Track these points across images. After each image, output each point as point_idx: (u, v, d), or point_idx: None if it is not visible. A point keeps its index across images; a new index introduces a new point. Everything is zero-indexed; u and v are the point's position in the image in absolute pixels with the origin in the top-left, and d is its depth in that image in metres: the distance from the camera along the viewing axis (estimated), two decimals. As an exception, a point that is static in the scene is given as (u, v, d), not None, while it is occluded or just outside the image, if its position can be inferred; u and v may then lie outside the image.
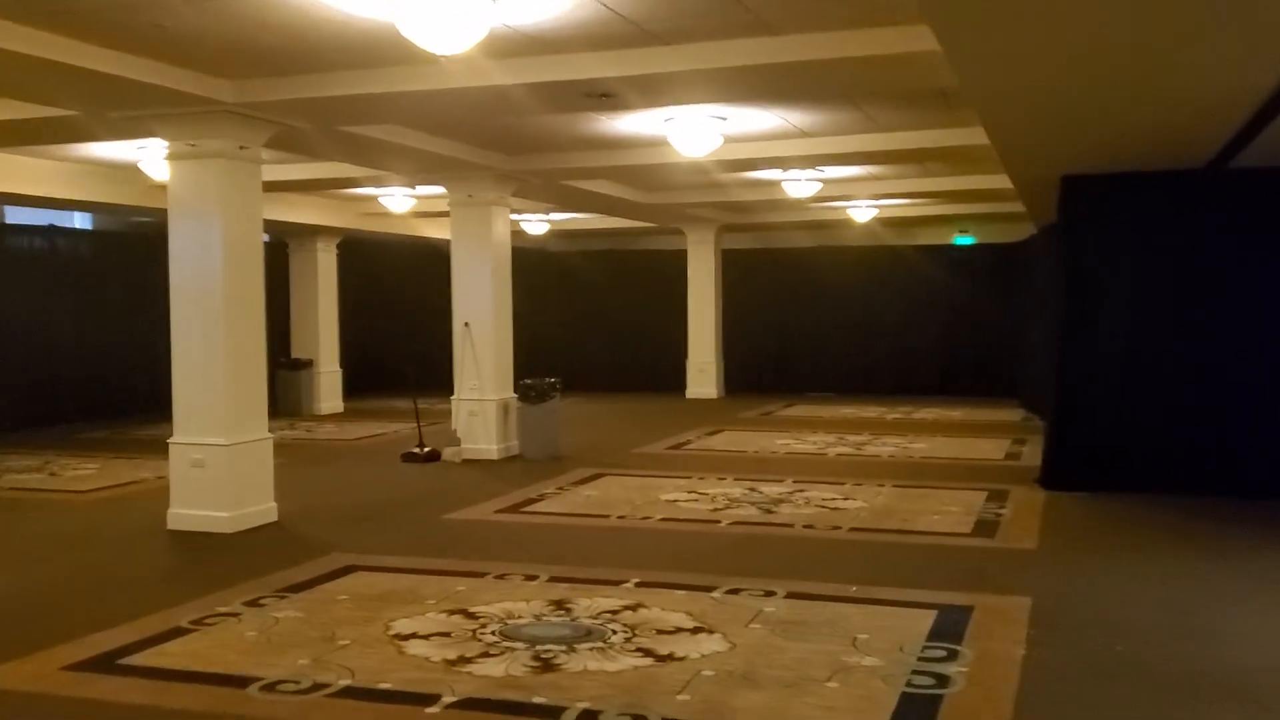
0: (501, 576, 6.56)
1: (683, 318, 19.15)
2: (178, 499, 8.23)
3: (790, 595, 6.05)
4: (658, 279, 20.26)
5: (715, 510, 8.67)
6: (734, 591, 6.14)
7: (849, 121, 9.51)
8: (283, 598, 6.19)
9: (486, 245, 11.66)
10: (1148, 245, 9.31)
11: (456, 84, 7.19)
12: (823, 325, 19.83)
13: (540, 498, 9.34)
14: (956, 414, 16.14)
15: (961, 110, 8.92)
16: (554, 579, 6.48)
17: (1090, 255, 9.45)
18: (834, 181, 13.33)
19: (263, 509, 8.36)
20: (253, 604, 6.06)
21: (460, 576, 6.58)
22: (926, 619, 5.62)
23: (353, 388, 18.06)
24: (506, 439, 11.86)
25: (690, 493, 9.46)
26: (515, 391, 11.92)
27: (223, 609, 5.96)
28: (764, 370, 19.92)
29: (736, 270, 19.47)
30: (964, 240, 19.76)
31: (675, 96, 7.82)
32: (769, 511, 8.58)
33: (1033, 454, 11.65)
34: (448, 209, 12.11)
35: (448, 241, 12.22)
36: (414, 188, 13.82)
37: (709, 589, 6.19)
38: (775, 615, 5.69)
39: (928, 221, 18.78)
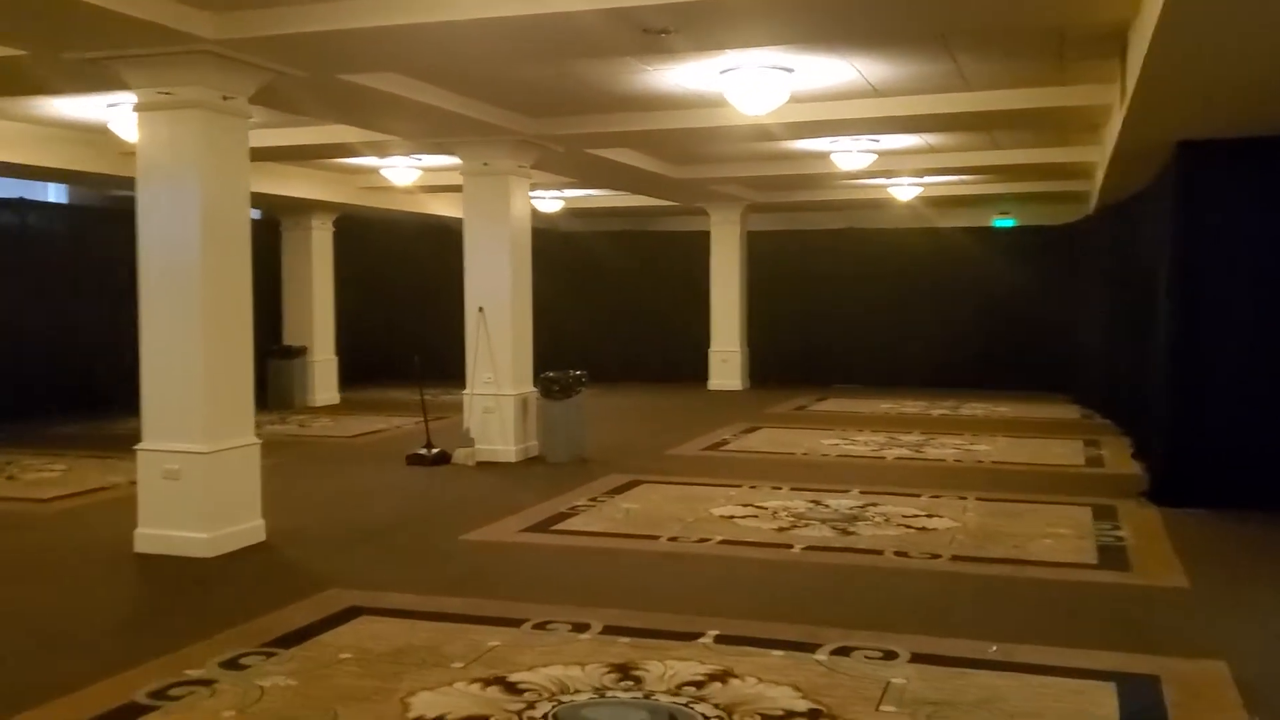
0: (543, 625, 5.25)
1: (705, 304, 17.82)
2: (148, 516, 6.91)
3: (917, 658, 4.75)
4: (678, 262, 18.92)
5: (781, 530, 7.37)
6: (844, 652, 4.83)
7: (935, 76, 8.16)
8: (270, 655, 4.87)
9: (504, 220, 10.32)
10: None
11: (480, 13, 5.85)
12: (853, 313, 18.49)
13: (572, 511, 8.03)
14: (1005, 410, 14.85)
15: (1074, 64, 7.62)
16: (609, 629, 5.17)
17: (1211, 235, 8.12)
18: (885, 154, 11.98)
19: (248, 528, 7.04)
20: (232, 665, 4.75)
21: (491, 625, 5.26)
22: (1107, 696, 4.32)
23: (350, 377, 16.73)
24: (525, 439, 10.55)
25: (745, 506, 8.16)
26: (536, 385, 10.60)
27: (193, 673, 4.64)
28: (790, 361, 18.59)
29: (762, 253, 18.14)
30: (1004, 223, 18.44)
31: (733, 31, 6.43)
32: (846, 533, 7.27)
33: (1115, 459, 10.40)
34: (457, 182, 10.82)
35: (457, 219, 10.88)
36: (419, 158, 12.45)
37: (810, 647, 4.88)
38: (909, 691, 4.37)
39: (970, 201, 17.44)
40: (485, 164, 10.25)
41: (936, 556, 6.63)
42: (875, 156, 11.66)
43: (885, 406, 15.21)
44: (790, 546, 6.90)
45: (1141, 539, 7.07)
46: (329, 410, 14.98)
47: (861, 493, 8.68)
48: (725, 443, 11.67)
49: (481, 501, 8.58)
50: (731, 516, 7.80)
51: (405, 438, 11.87)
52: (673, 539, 7.13)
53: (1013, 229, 18.25)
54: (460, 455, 10.25)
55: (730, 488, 8.89)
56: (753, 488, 8.90)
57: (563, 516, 7.86)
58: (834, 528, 7.41)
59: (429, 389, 11.77)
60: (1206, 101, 6.67)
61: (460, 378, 10.66)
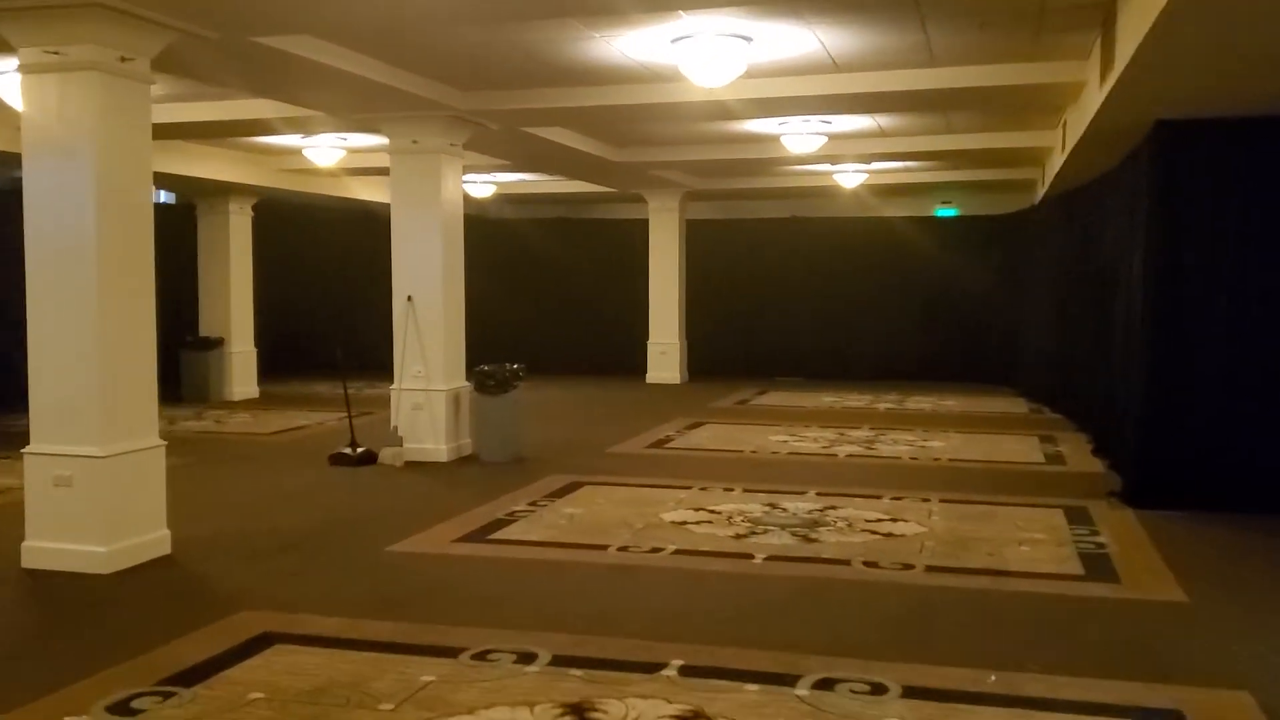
0: (483, 655, 4.62)
1: (642, 294, 17.22)
2: (36, 528, 6.15)
3: (909, 692, 4.21)
4: (615, 250, 18.32)
5: (739, 538, 6.81)
6: (826, 685, 4.28)
7: (901, 49, 7.65)
8: (167, 695, 4.20)
9: (434, 203, 9.62)
10: (1264, 207, 7.62)
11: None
12: (793, 305, 18.05)
13: (510, 518, 7.39)
14: (952, 403, 14.50)
15: (1050, 37, 7.16)
16: (559, 660, 4.56)
17: (1190, 221, 7.71)
18: (835, 138, 11.48)
19: (151, 540, 6.31)
20: (120, 709, 4.06)
21: (425, 656, 4.62)
22: (1128, 737, 3.82)
23: (270, 369, 15.88)
24: (458, 437, 9.88)
25: (697, 510, 7.59)
26: (469, 380, 9.94)
27: (74, 722, 3.96)
28: (729, 353, 18.08)
29: (701, 243, 17.56)
30: (946, 212, 18.11)
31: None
32: (808, 540, 6.74)
33: (1075, 457, 10.03)
34: (384, 164, 10.09)
35: (384, 205, 10.16)
36: (344, 137, 11.69)
37: (789, 679, 4.32)
38: (908, 733, 3.84)
39: (914, 190, 17.08)
40: (414, 142, 9.54)
41: (909, 567, 6.12)
42: (825, 139, 11.14)
43: (829, 400, 14.77)
44: (751, 557, 6.34)
45: (1124, 546, 6.62)
46: (247, 405, 14.14)
47: (819, 494, 8.16)
48: (669, 440, 11.10)
49: (411, 506, 7.92)
50: (684, 522, 7.22)
51: (328, 435, 11.14)
52: (622, 549, 6.53)
53: (956, 218, 17.92)
54: (387, 455, 9.55)
55: (679, 489, 8.33)
56: (703, 489, 8.34)
57: (500, 524, 7.22)
58: (795, 534, 6.87)
59: (354, 383, 11.04)
60: (1208, 75, 6.20)
61: (387, 371, 9.96)
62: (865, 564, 6.18)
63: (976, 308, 17.30)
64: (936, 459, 9.99)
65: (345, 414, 10.14)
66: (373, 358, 14.54)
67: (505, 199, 17.24)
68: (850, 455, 10.15)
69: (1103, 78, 7.01)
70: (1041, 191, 14.20)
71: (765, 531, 6.93)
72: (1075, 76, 8.07)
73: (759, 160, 13.21)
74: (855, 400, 14.74)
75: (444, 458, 9.65)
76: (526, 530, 7.04)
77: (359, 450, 9.57)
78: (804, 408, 13.95)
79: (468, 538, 6.84)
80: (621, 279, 18.06)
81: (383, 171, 12.80)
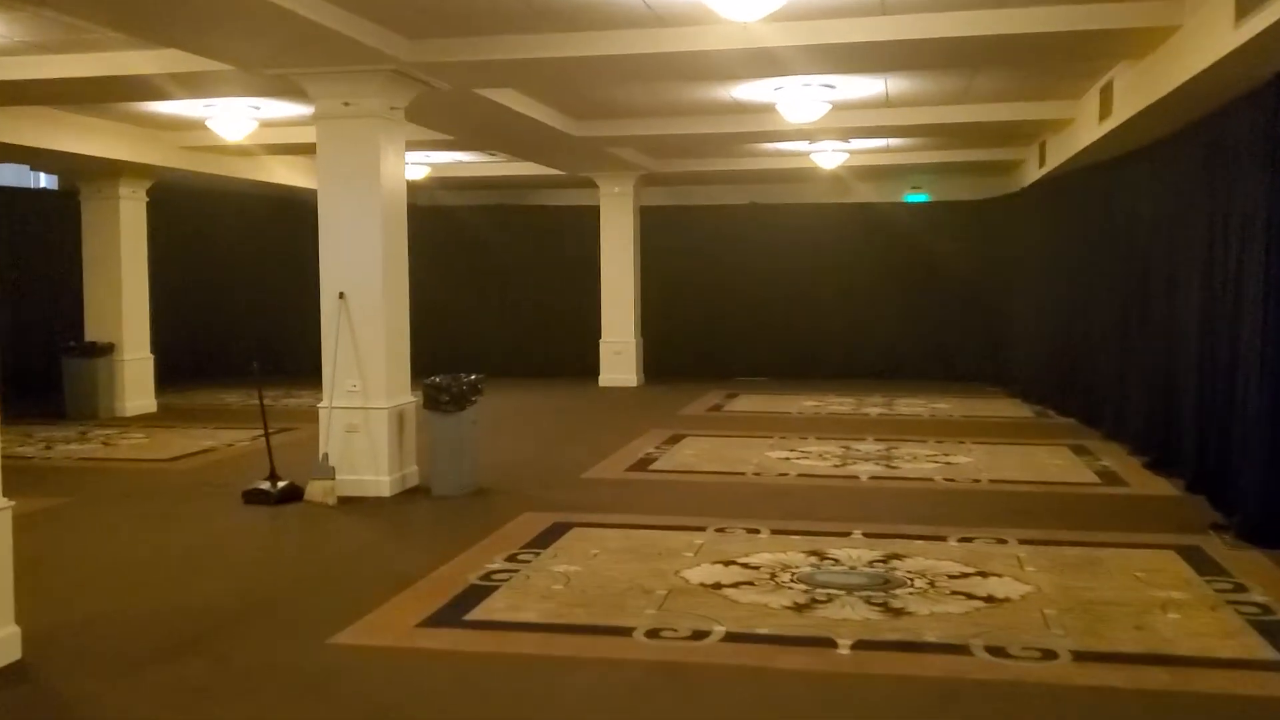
0: None
1: (593, 288, 15.48)
2: None
3: None
4: (564, 240, 16.60)
5: (800, 609, 5.15)
6: None
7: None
8: None
9: (371, 180, 7.82)
10: None
11: None
12: (755, 299, 16.53)
13: (488, 583, 5.64)
14: (945, 406, 13.05)
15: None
16: None
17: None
18: (837, 108, 9.89)
19: (-10, 642, 4.47)
20: None
21: None
22: None
23: (170, 379, 13.83)
24: (403, 465, 8.10)
25: (727, 565, 5.92)
26: (418, 394, 8.16)
27: None
28: (687, 353, 16.46)
29: (653, 231, 15.87)
30: (916, 198, 16.69)
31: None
32: (891, 611, 5.11)
33: (1130, 474, 8.64)
34: (308, 140, 8.27)
35: (310, 190, 8.33)
36: (256, 104, 9.78)
37: None
38: None
39: (884, 175, 15.59)
40: (346, 104, 7.73)
41: (1050, 655, 4.52)
42: (829, 107, 9.53)
43: (809, 404, 13.22)
44: (832, 644, 4.67)
45: (1297, 608, 5.12)
46: (143, 421, 12.10)
47: (866, 536, 6.55)
48: (651, 459, 9.41)
49: (354, 567, 6.13)
50: (717, 585, 5.55)
51: (241, 461, 9.26)
52: (653, 634, 4.83)
53: (931, 204, 16.50)
54: (316, 490, 7.72)
55: (691, 531, 6.66)
56: (720, 530, 6.68)
57: (476, 594, 5.46)
58: (870, 603, 5.23)
59: (270, 391, 9.18)
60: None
61: (311, 377, 8.13)
62: (989, 651, 4.56)
63: (955, 301, 15.96)
64: (976, 480, 8.46)
65: (261, 433, 8.30)
66: (297, 363, 12.71)
67: (440, 183, 15.37)
68: (874, 477, 8.57)
69: (1239, 15, 5.50)
70: (1039, 171, 12.81)
71: (829, 600, 5.28)
72: (1167, 20, 6.56)
73: (734, 135, 11.57)
74: (838, 405, 13.21)
75: (386, 491, 7.86)
76: (514, 603, 5.30)
77: (280, 485, 7.73)
78: (787, 414, 12.38)
79: (437, 620, 5.07)
80: (570, 272, 16.36)
81: (307, 149, 10.96)
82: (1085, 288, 11.31)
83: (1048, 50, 7.38)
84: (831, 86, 9.18)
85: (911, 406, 13.08)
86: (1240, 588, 5.44)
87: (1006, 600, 5.27)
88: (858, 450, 9.77)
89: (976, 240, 15.65)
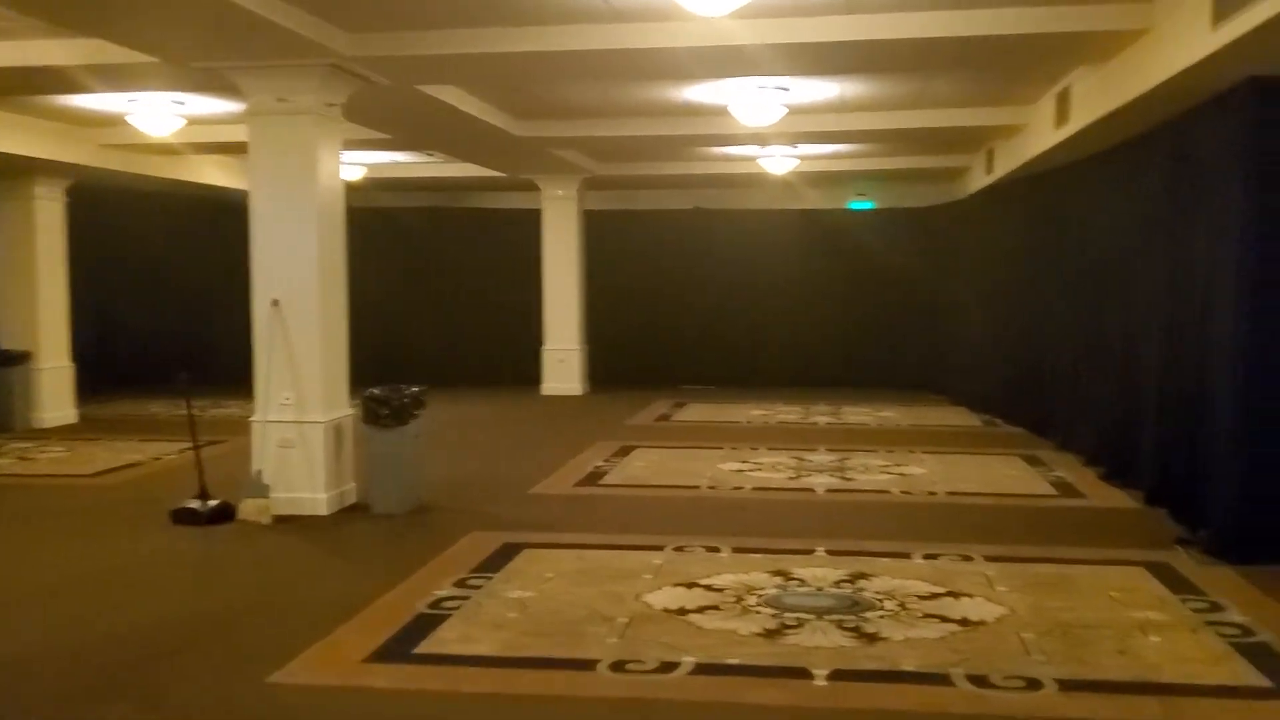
0: None
1: (535, 294, 15.12)
2: None
3: None
4: (503, 245, 16.19)
5: (770, 635, 4.88)
6: None
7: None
8: None
9: (307, 181, 7.42)
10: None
11: None
12: (700, 306, 16.32)
13: (437, 611, 5.29)
14: (892, 414, 12.92)
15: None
16: None
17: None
18: (792, 112, 9.67)
19: (-115, 689, 4.03)
20: None
21: None
22: None
23: (92, 389, 13.24)
24: (341, 482, 7.70)
25: (689, 587, 5.64)
26: (357, 408, 7.77)
27: None
28: (630, 360, 16.16)
29: (595, 237, 15.55)
30: (861, 205, 16.57)
31: None
32: (865, 637, 4.86)
33: (1086, 485, 8.57)
34: (238, 139, 7.85)
35: (240, 192, 7.90)
36: (182, 99, 9.31)
37: None
38: None
39: (828, 181, 15.42)
40: (281, 100, 7.32)
41: (1035, 685, 4.29)
42: (785, 110, 9.30)
43: (757, 414, 13.00)
44: (807, 675, 4.40)
45: (1276, 628, 4.94)
46: (62, 434, 11.53)
47: (830, 554, 6.31)
48: (601, 473, 9.11)
49: (292, 594, 5.75)
50: (681, 610, 5.26)
51: (168, 477, 8.79)
52: (617, 666, 4.52)
53: (875, 211, 16.37)
54: (249, 509, 7.30)
55: (648, 551, 6.36)
56: (680, 550, 6.40)
57: (426, 623, 5.11)
58: (843, 628, 4.98)
59: (201, 402, 8.73)
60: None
61: (244, 384, 7.73)
62: (971, 680, 4.33)
63: (900, 309, 15.88)
64: (932, 492, 8.27)
65: (189, 446, 7.86)
66: (223, 372, 12.20)
67: (376, 184, 14.90)
68: (830, 490, 8.35)
69: (1216, 18, 5.35)
70: (986, 178, 12.72)
71: (799, 625, 5.02)
72: (1134, 24, 6.41)
73: (684, 138, 11.31)
74: (787, 413, 13.01)
75: (324, 509, 7.47)
76: (466, 634, 4.96)
77: (211, 503, 7.30)
78: (736, 424, 12.15)
79: (385, 653, 4.72)
80: (511, 277, 15.98)
81: (238, 149, 10.50)
82: (1036, 296, 11.22)
83: (1012, 53, 7.19)
84: (786, 89, 8.96)
85: (859, 415, 12.93)
86: (1216, 606, 5.28)
87: (982, 623, 5.05)
88: (811, 461, 9.55)
89: (921, 248, 15.56)
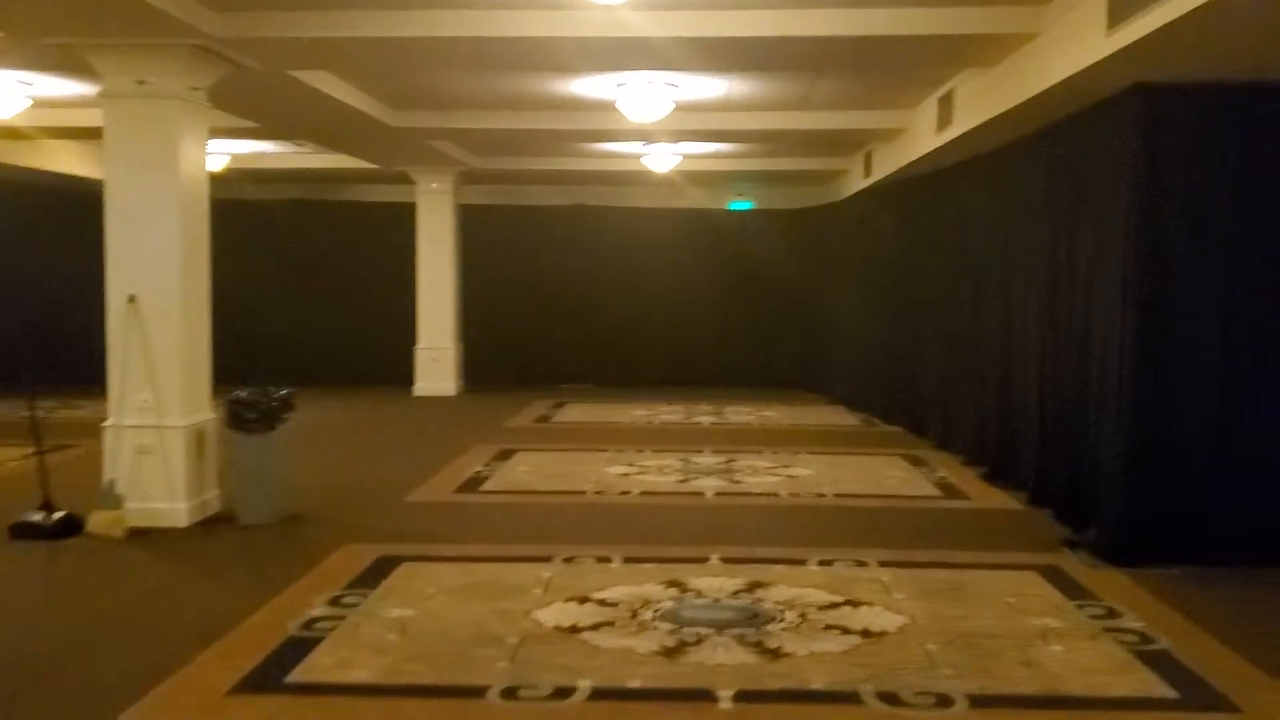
0: None
1: (408, 291, 14.64)
2: None
3: None
4: (377, 239, 15.67)
5: (670, 653, 4.66)
6: None
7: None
8: None
9: (169, 170, 6.93)
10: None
11: None
12: (577, 304, 16.08)
13: (310, 633, 4.91)
14: (774, 414, 12.91)
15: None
16: None
17: (1177, 209, 6.15)
18: (679, 109, 9.48)
19: None
20: None
21: None
22: None
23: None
24: (203, 490, 7.22)
25: (582, 602, 5.38)
26: (221, 411, 7.30)
27: None
28: (506, 359, 15.83)
29: (472, 232, 15.14)
30: (740, 205, 16.54)
31: None
32: (767, 652, 4.68)
33: (970, 487, 8.61)
34: (95, 122, 7.30)
35: (97, 181, 7.36)
36: (29, 80, 8.65)
37: None
38: None
39: (709, 181, 15.28)
40: (141, 83, 6.81)
41: (947, 701, 4.16)
42: (672, 106, 9.10)
43: (639, 414, 12.82)
44: (711, 697, 4.19)
45: (1171, 633, 4.94)
46: (-108, 438, 10.64)
47: (724, 561, 6.14)
48: (481, 478, 8.77)
49: (148, 615, 5.29)
50: (575, 628, 4.99)
51: (7, 486, 8.12)
52: (510, 693, 4.23)
53: (754, 212, 16.35)
54: (101, 521, 6.76)
55: (537, 563, 6.08)
56: (570, 561, 6.13)
57: (299, 646, 4.74)
58: (742, 641, 4.79)
59: (47, 403, 8.11)
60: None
61: (96, 383, 7.20)
62: (881, 698, 4.18)
63: (777, 308, 15.95)
64: (820, 494, 8.19)
65: (32, 452, 7.27)
66: (74, 371, 11.46)
67: (241, 174, 14.23)
68: (719, 494, 8.19)
69: (1109, 24, 5.34)
70: (864, 181, 12.77)
71: (699, 641, 4.81)
72: (1025, 28, 6.40)
73: (567, 133, 11.05)
74: (669, 414, 12.86)
75: (184, 520, 6.97)
76: (343, 658, 4.61)
77: (56, 515, 6.74)
78: (618, 425, 11.94)
79: (254, 683, 4.33)
80: (383, 273, 15.49)
81: (93, 134, 9.81)
82: (912, 296, 11.31)
83: (905, 53, 7.14)
84: (675, 85, 8.77)
85: (740, 414, 12.86)
86: (1112, 613, 5.26)
87: (884, 634, 4.91)
88: (697, 464, 9.39)
89: (799, 248, 15.64)
